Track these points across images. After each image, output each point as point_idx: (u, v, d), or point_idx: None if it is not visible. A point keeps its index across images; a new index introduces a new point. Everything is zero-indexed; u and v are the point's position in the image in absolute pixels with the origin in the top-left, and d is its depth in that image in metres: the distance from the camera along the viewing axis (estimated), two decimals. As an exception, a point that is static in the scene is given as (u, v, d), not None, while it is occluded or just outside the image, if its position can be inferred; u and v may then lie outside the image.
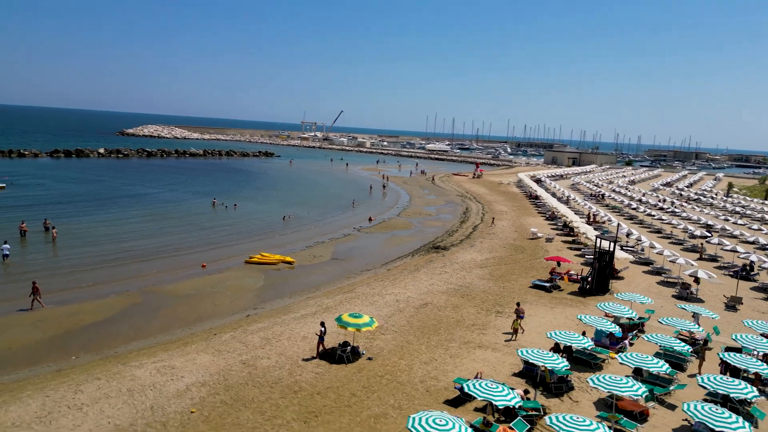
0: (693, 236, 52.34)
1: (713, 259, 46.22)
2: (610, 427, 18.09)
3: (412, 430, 14.59)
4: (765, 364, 21.07)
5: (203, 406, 18.52)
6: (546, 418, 16.31)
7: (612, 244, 35.56)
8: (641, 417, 19.17)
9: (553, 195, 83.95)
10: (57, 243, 41.92)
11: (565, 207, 64.16)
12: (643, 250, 46.04)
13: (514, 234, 54.06)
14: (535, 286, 35.49)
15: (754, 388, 18.36)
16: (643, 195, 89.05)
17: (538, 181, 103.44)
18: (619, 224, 48.67)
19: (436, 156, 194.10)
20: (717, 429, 15.75)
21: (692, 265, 37.47)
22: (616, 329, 24.42)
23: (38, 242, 41.96)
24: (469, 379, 19.74)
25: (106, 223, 50.25)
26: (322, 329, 23.19)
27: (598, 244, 35.45)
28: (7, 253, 35.72)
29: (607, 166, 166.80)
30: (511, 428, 17.20)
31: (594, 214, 61.31)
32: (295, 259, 41.05)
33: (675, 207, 74.82)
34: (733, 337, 23.78)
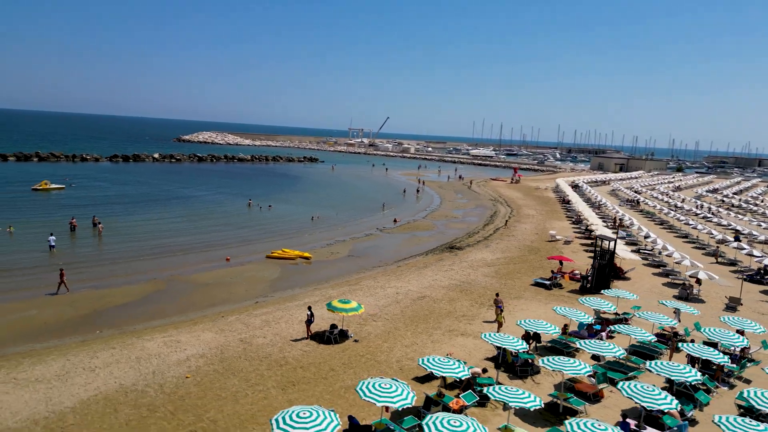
0: (720, 241, 51.64)
1: (732, 263, 45.73)
2: (559, 404, 19.69)
3: (359, 391, 16.70)
4: (729, 356, 21.89)
5: (198, 373, 21.23)
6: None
7: (612, 244, 36.34)
8: (594, 398, 20.52)
9: (588, 200, 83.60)
10: (102, 237, 46.34)
11: (590, 211, 64.21)
12: (660, 253, 46.06)
13: (533, 236, 54.92)
14: (537, 284, 36.68)
15: (698, 373, 19.38)
16: (683, 201, 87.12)
17: (576, 187, 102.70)
18: (638, 227, 48.82)
19: (479, 162, 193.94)
20: (646, 406, 17.09)
21: (698, 266, 37.59)
22: (590, 320, 25.63)
23: (86, 236, 46.49)
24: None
25: (148, 222, 54.67)
26: (309, 313, 25.57)
27: (598, 244, 36.31)
28: (53, 244, 40.13)
29: (656, 172, 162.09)
30: (461, 398, 19.01)
31: (620, 219, 61.17)
32: (314, 255, 43.75)
33: (711, 213, 73.14)
34: (703, 330, 24.52)
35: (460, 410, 18.67)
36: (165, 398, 19.16)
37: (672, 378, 19.06)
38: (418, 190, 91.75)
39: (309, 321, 25.60)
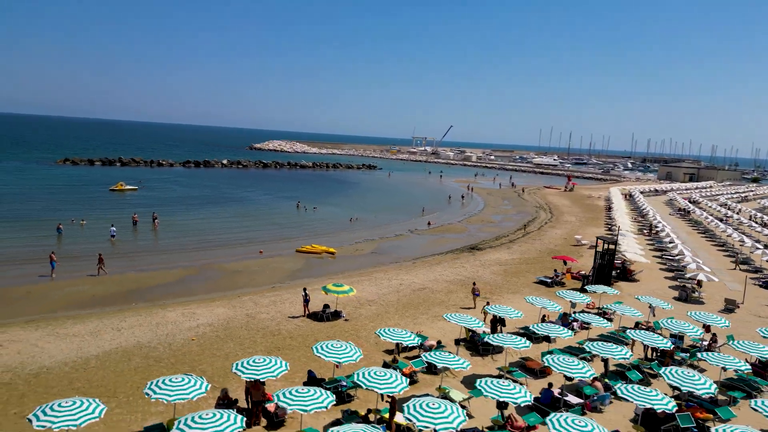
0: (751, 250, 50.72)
1: (757, 270, 45.24)
2: (502, 376, 22.12)
3: (313, 349, 20.01)
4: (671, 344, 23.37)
5: (202, 337, 25.32)
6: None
7: (613, 246, 37.61)
8: (541, 374, 22.74)
9: (635, 209, 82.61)
10: (157, 231, 52.41)
11: (626, 218, 64.16)
12: (678, 257, 46.20)
13: (560, 241, 56.02)
14: (539, 282, 38.52)
15: (630, 351, 21.35)
16: (738, 212, 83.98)
17: (629, 196, 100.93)
18: (653, 227, 49.02)
19: (542, 170, 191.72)
20: (570, 374, 19.34)
21: (704, 270, 38.01)
22: (560, 310, 27.66)
23: (144, 230, 52.69)
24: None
25: (201, 219, 60.61)
26: (303, 294, 29.18)
27: (596, 246, 37.67)
28: (114, 234, 46.33)
29: (728, 183, 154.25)
30: (412, 365, 21.91)
31: (655, 227, 60.87)
32: (340, 251, 47.49)
33: (763, 225, 70.66)
34: (668, 322, 25.90)
35: (411, 375, 21.63)
36: (170, 353, 23.30)
37: (605, 357, 21.04)
38: (463, 196, 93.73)
39: (306, 301, 29.21)
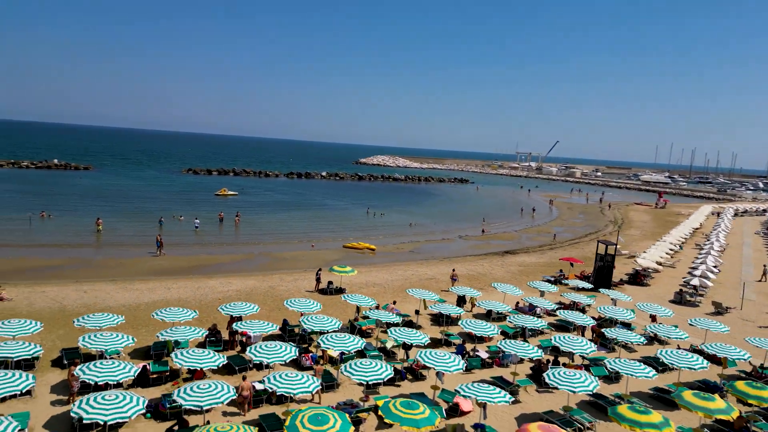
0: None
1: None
2: (441, 339, 27.21)
3: (287, 303, 26.66)
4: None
5: (226, 298, 32.93)
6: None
7: (613, 249, 40.20)
8: (480, 340, 27.43)
9: (714, 229, 79.80)
10: (238, 227, 62.28)
11: (682, 233, 63.61)
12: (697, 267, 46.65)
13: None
14: (545, 280, 41.91)
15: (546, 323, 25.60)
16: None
17: (718, 214, 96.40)
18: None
19: (650, 188, 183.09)
20: (475, 332, 24.19)
21: (703, 277, 39.31)
22: (521, 295, 31.84)
23: (228, 225, 62.77)
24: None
25: (279, 219, 69.99)
26: (317, 274, 36.02)
27: (598, 249, 40.45)
28: (197, 226, 56.73)
29: None
30: (368, 324, 27.76)
31: (707, 239, 60.12)
32: (381, 248, 53.77)
33: None
34: (601, 309, 29.16)
35: (367, 331, 27.53)
36: (197, 304, 31.12)
37: (524, 326, 25.50)
38: (534, 209, 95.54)
39: (317, 279, 36.03)
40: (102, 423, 15.97)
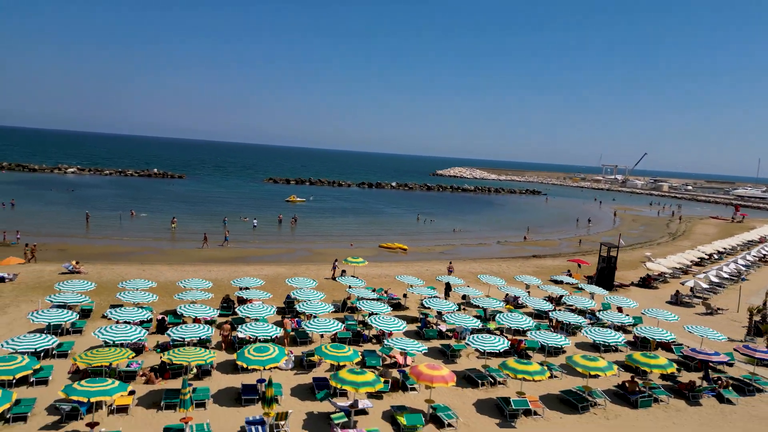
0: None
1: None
2: (419, 318, 31.64)
3: (288, 280, 32.28)
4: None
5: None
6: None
7: (616, 251, 42.28)
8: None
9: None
10: (293, 227, 69.38)
11: (720, 245, 62.69)
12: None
13: (632, 258, 58.54)
14: (552, 280, 44.69)
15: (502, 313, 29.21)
16: None
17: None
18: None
19: (743, 202, 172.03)
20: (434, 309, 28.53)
21: (699, 279, 40.41)
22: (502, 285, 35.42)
23: (285, 226, 70.12)
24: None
25: (333, 223, 76.57)
26: (334, 264, 41.48)
27: (601, 251, 42.66)
28: (255, 224, 64.27)
29: None
30: (353, 302, 32.72)
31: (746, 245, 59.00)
32: (415, 249, 58.33)
33: None
34: (569, 299, 32.12)
35: (353, 307, 32.55)
36: (226, 282, 37.55)
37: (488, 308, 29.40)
38: (589, 220, 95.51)
39: (334, 268, 41.51)
40: (262, 367, 20.16)
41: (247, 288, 32.17)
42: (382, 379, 20.80)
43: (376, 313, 27.67)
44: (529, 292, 36.65)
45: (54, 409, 18.81)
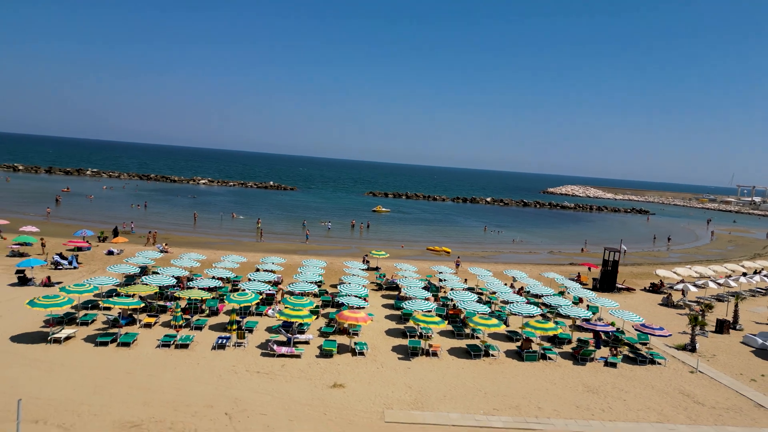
0: None
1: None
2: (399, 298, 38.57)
3: (304, 262, 40.88)
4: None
5: (290, 266, 48.39)
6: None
7: (616, 255, 45.41)
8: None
9: None
10: (362, 231, 78.39)
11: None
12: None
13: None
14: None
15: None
16: None
17: None
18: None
19: None
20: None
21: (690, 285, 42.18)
22: (488, 275, 40.96)
23: (357, 230, 79.35)
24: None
25: (402, 229, 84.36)
26: (365, 257, 49.43)
27: (605, 255, 45.98)
28: (329, 227, 74.20)
29: None
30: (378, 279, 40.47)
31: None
32: (458, 252, 64.27)
33: None
34: (537, 289, 36.90)
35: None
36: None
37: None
38: (669, 238, 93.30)
39: (364, 260, 49.51)
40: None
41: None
42: (335, 327, 28.64)
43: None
44: (512, 285, 41.53)
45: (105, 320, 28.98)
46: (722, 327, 34.99)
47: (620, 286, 47.01)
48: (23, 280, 35.71)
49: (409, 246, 67.46)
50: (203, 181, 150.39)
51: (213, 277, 37.32)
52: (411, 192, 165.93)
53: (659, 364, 28.31)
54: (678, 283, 46.63)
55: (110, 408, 19.70)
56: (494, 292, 38.47)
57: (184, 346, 26.53)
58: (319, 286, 40.87)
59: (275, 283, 40.34)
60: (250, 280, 36.54)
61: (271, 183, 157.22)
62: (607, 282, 45.67)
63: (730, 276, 52.20)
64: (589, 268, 50.00)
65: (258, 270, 41.77)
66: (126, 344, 26.18)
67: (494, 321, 28.12)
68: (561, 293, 40.04)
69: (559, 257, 67.12)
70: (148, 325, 29.06)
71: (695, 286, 43.40)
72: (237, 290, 36.62)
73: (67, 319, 28.92)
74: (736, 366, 28.96)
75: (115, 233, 56.49)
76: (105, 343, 26.05)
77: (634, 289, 46.77)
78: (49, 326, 27.77)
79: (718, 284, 47.55)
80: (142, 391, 21.28)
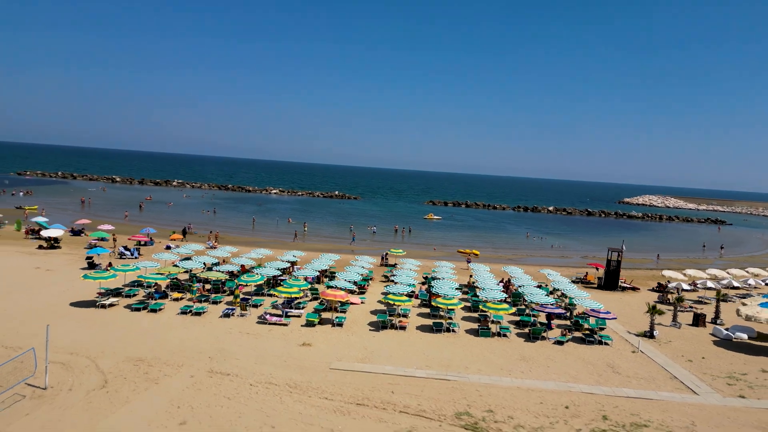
0: None
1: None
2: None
3: (323, 254, 46.57)
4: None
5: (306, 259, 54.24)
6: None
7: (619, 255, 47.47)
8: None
9: None
10: (404, 235, 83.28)
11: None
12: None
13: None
14: (573, 281, 51.08)
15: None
16: None
17: None
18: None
19: None
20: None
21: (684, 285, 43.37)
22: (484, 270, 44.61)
23: (399, 235, 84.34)
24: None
25: (443, 235, 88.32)
26: (383, 254, 54.42)
27: (608, 256, 48.11)
28: (374, 231, 79.75)
29: None
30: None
31: None
32: (487, 256, 67.54)
33: None
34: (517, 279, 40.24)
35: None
36: (305, 258, 53.14)
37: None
38: (722, 246, 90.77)
39: (382, 257, 54.51)
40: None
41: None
42: (325, 304, 34.06)
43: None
44: (507, 280, 44.82)
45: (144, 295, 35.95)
46: (698, 320, 36.59)
47: (626, 285, 48.76)
48: (91, 265, 43.98)
49: (446, 249, 71.49)
50: (274, 191, 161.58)
51: (235, 264, 43.85)
52: (471, 201, 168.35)
53: (606, 344, 31.09)
54: (673, 282, 47.86)
55: (125, 350, 26.05)
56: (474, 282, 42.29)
57: (198, 314, 32.84)
58: (331, 275, 46.40)
59: (284, 270, 45.96)
60: (262, 266, 42.69)
61: (336, 192, 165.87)
62: (609, 280, 47.68)
63: (745, 279, 52.22)
64: (597, 268, 51.85)
65: (298, 268, 47.91)
66: (154, 311, 32.89)
67: (454, 300, 32.25)
68: (540, 286, 42.76)
69: (581, 261, 68.45)
70: (176, 299, 35.77)
71: (693, 285, 44.55)
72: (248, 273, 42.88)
73: (115, 292, 36.24)
74: (683, 350, 31.04)
75: (183, 233, 65.29)
76: (138, 309, 32.91)
77: (639, 288, 48.32)
78: (99, 296, 35.15)
79: (734, 287, 48.02)
80: (154, 341, 27.55)
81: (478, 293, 38.98)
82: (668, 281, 48.58)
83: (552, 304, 34.00)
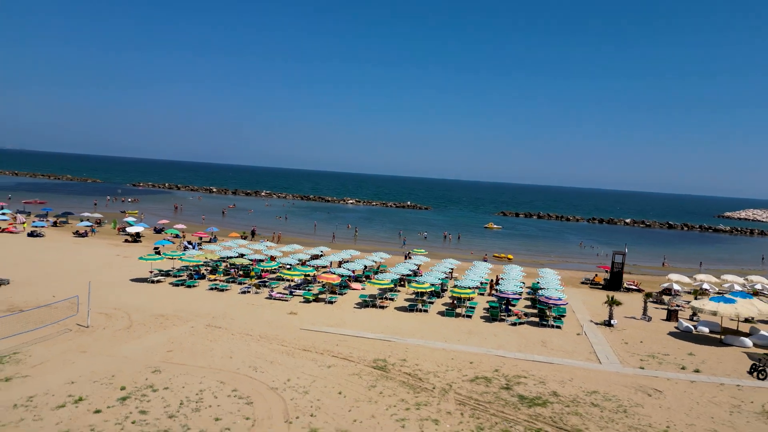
0: None
1: None
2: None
3: (343, 251, 53.25)
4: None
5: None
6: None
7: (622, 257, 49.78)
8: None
9: None
10: (450, 240, 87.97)
11: None
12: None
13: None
14: (582, 282, 53.78)
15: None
16: None
17: None
18: None
19: None
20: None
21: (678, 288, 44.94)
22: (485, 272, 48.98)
23: (447, 241, 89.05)
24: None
25: (491, 241, 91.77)
26: (407, 253, 60.04)
27: (613, 259, 50.51)
28: (426, 237, 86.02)
29: None
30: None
31: None
32: (521, 259, 70.77)
33: None
34: (505, 275, 44.28)
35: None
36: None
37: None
38: (763, 258, 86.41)
39: (406, 255, 60.16)
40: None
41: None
42: (326, 287, 40.62)
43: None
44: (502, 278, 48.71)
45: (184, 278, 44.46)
46: (671, 316, 38.69)
47: (632, 287, 50.69)
48: (157, 253, 53.79)
49: (479, 252, 75.50)
50: (351, 201, 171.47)
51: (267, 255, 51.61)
52: (543, 212, 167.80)
53: (558, 327, 34.72)
54: (671, 283, 49.19)
55: (153, 308, 34.09)
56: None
57: (222, 290, 40.67)
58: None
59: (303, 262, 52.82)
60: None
61: (408, 203, 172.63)
62: (613, 281, 49.94)
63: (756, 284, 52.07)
64: (606, 271, 53.91)
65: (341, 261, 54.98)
66: (189, 287, 41.17)
67: (426, 285, 37.51)
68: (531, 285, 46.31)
69: (629, 269, 69.26)
70: (211, 280, 43.99)
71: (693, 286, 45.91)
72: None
73: (165, 273, 45.08)
74: (630, 336, 33.76)
75: (253, 234, 75.20)
76: (177, 285, 41.36)
77: (644, 290, 49.99)
78: (150, 274, 44.20)
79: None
80: (178, 306, 35.41)
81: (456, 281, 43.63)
82: (672, 284, 49.88)
83: (514, 293, 38.04)
